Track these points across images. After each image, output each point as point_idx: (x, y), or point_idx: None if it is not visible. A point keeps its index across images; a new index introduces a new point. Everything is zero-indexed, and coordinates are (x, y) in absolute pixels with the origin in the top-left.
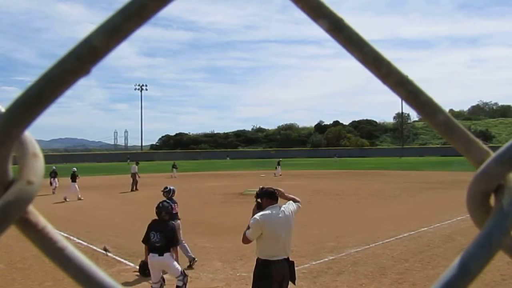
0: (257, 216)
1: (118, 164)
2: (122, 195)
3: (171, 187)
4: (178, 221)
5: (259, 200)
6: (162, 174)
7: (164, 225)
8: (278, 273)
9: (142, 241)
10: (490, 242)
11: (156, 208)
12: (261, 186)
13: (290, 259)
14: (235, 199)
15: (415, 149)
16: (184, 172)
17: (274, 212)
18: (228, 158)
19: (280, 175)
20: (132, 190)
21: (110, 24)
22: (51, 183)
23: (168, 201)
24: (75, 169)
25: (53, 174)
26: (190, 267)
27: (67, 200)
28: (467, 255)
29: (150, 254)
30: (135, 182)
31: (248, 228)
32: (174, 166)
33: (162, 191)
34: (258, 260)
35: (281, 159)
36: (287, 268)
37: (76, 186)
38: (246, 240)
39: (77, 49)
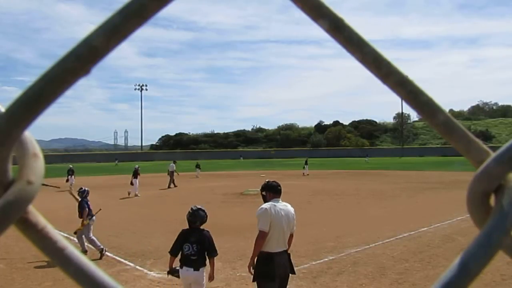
0: (263, 206)
1: (118, 164)
2: (120, 195)
3: (86, 188)
4: (93, 217)
5: (263, 193)
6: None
7: (199, 234)
8: (280, 265)
9: (170, 252)
10: (490, 242)
11: (189, 215)
12: (267, 180)
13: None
14: (235, 199)
15: (415, 149)
16: (184, 172)
17: (277, 204)
18: (241, 158)
19: (308, 174)
20: (169, 187)
21: (110, 24)
22: (67, 180)
23: (203, 209)
24: (137, 166)
25: (70, 172)
26: (100, 258)
27: (130, 196)
28: (467, 255)
29: (184, 267)
30: (172, 180)
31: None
32: (197, 166)
33: (77, 191)
34: (260, 253)
35: (307, 158)
36: (287, 260)
37: (137, 182)
38: (262, 234)
39: (77, 49)
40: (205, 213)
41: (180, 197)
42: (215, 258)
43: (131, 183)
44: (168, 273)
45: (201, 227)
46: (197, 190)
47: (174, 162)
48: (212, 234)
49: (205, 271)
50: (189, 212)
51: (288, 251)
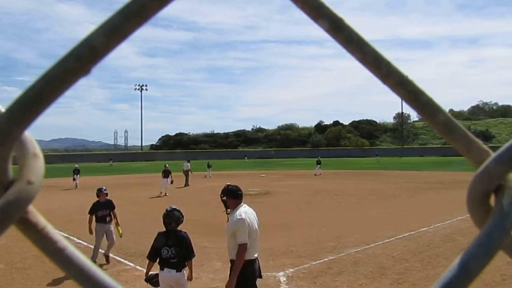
0: (239, 217)
1: (118, 164)
2: (120, 195)
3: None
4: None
5: (224, 198)
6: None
7: (176, 237)
8: (256, 270)
9: (148, 257)
10: (490, 242)
11: (164, 216)
12: (227, 183)
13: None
14: None
15: (415, 149)
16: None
17: (247, 210)
18: (246, 158)
19: (320, 174)
20: (185, 186)
21: (110, 24)
22: (74, 179)
23: (178, 209)
24: (167, 165)
25: (76, 171)
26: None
27: (161, 195)
28: (467, 255)
29: (166, 269)
30: (186, 178)
31: (235, 234)
32: (208, 166)
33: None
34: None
35: (319, 158)
36: (258, 265)
37: (167, 181)
38: (244, 247)
39: (77, 49)
40: (181, 214)
41: (181, 197)
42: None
43: (170, 182)
44: (146, 280)
45: (178, 228)
46: (197, 190)
47: (188, 161)
48: (211, 234)
49: (186, 271)
50: (164, 213)
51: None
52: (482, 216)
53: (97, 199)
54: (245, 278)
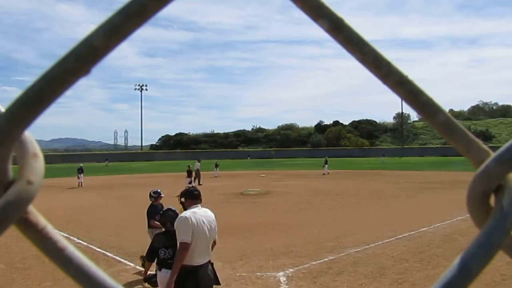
0: (182, 215)
1: (118, 164)
2: (120, 195)
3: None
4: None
5: (182, 200)
6: (162, 174)
7: (172, 238)
8: (205, 278)
9: (146, 258)
10: (490, 242)
11: (160, 217)
12: (187, 186)
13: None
14: (235, 199)
15: (415, 149)
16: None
17: (197, 211)
18: (249, 158)
19: (328, 173)
20: (199, 184)
21: (110, 24)
22: (78, 178)
23: (173, 209)
24: (190, 165)
25: (80, 170)
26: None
27: None
28: (467, 255)
29: (163, 269)
30: (198, 177)
31: (177, 233)
32: (216, 165)
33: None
34: (182, 267)
35: (327, 158)
36: (211, 271)
37: (191, 180)
38: (184, 246)
39: (77, 49)
40: (175, 213)
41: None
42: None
43: (194, 182)
44: (145, 280)
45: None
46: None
47: (199, 161)
48: None
49: None
50: (159, 213)
51: (211, 261)
52: (482, 216)
53: (151, 202)
54: (189, 285)
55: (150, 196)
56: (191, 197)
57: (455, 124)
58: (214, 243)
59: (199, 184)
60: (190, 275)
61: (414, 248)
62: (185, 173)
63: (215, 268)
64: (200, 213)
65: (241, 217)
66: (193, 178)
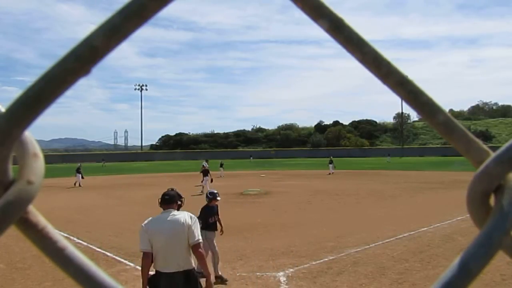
0: (142, 223)
1: (118, 164)
2: (120, 195)
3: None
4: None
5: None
6: (162, 174)
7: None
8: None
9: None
10: (490, 242)
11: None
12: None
13: (192, 273)
14: (235, 199)
15: (415, 149)
16: (184, 172)
17: (162, 216)
18: (251, 158)
19: (333, 173)
20: (211, 182)
21: (110, 24)
22: (82, 177)
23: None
24: (206, 165)
25: (78, 170)
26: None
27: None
28: (467, 255)
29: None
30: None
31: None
32: (221, 165)
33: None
34: (154, 272)
35: (332, 158)
36: (182, 283)
37: (206, 180)
38: (143, 255)
39: (77, 49)
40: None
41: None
42: None
43: (210, 180)
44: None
45: None
46: (197, 190)
47: (206, 161)
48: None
49: None
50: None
51: (197, 268)
52: (482, 216)
53: (206, 203)
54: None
55: (206, 196)
56: (161, 202)
57: (455, 124)
58: (196, 247)
59: (211, 181)
60: (154, 280)
61: (414, 248)
62: (199, 173)
63: (193, 282)
64: (165, 217)
65: (241, 217)
66: (209, 177)
